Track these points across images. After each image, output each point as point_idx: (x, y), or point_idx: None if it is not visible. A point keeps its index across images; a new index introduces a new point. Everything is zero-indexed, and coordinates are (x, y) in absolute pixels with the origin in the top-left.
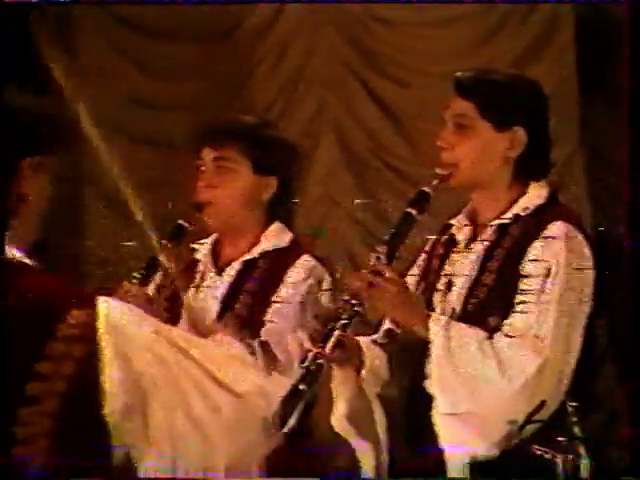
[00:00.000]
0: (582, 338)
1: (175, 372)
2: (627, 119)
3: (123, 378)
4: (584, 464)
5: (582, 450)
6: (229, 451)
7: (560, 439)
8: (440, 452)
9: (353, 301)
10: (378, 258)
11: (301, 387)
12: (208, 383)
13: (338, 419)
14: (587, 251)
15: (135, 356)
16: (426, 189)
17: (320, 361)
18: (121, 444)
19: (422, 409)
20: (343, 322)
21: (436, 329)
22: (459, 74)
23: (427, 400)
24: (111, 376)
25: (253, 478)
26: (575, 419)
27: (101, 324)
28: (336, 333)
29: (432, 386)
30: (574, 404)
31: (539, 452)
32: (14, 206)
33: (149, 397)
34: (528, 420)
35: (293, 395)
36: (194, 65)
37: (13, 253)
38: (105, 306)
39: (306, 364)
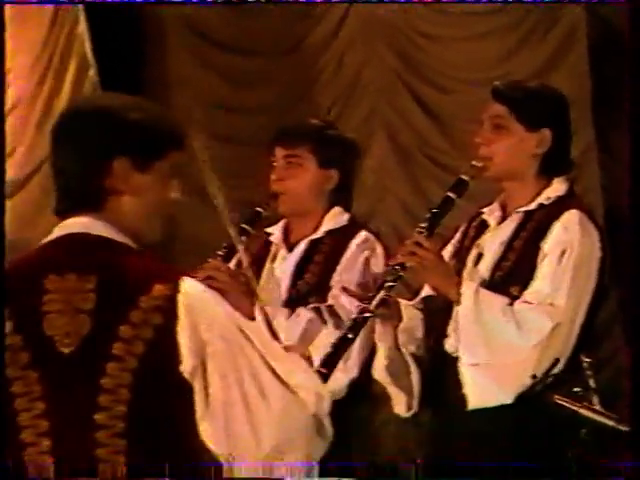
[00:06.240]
0: (589, 308)
1: (234, 351)
2: (628, 117)
3: (191, 344)
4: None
5: (595, 399)
6: (273, 440)
7: (577, 390)
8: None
9: (397, 267)
10: (420, 232)
11: (349, 335)
12: (263, 369)
13: (378, 369)
14: (596, 236)
15: (202, 327)
16: (464, 177)
17: (367, 315)
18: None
19: (444, 365)
20: (388, 285)
21: (467, 293)
22: (496, 83)
23: (447, 357)
24: (183, 341)
25: (294, 468)
26: (590, 373)
27: (180, 298)
28: (382, 293)
29: (458, 342)
30: (589, 360)
31: (560, 402)
32: (112, 196)
33: (209, 365)
34: (544, 375)
35: (343, 341)
36: (266, 74)
37: (114, 234)
38: (187, 284)
39: (354, 316)
